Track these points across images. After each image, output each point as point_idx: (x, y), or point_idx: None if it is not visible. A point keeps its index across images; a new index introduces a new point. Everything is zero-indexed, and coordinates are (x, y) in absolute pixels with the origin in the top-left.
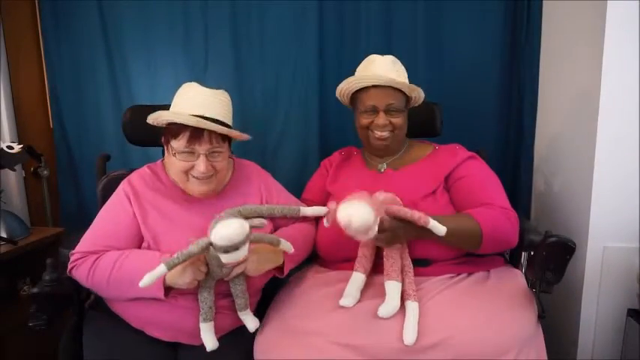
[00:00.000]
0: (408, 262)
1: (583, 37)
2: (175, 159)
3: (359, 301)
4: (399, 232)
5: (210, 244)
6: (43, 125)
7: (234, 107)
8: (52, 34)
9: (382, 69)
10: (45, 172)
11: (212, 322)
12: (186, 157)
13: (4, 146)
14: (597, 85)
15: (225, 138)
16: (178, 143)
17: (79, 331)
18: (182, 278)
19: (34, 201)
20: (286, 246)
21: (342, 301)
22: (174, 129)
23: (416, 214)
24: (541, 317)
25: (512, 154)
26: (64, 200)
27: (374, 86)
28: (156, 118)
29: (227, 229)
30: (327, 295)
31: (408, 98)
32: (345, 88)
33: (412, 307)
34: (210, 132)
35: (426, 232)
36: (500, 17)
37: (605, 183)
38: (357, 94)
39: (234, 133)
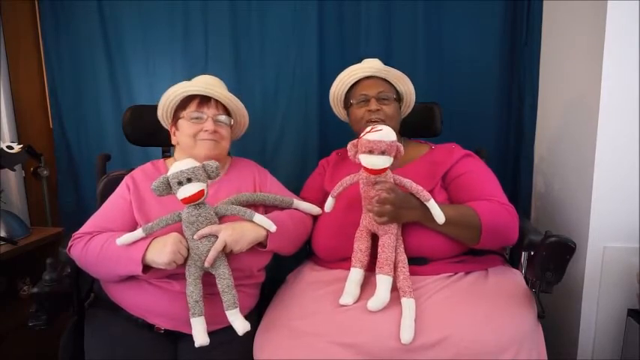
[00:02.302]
0: (403, 258)
1: (583, 37)
2: (185, 126)
3: (358, 300)
4: (402, 204)
5: (168, 183)
6: (43, 125)
7: None
8: (52, 34)
9: (371, 64)
10: (45, 172)
11: (202, 318)
12: (196, 121)
13: (4, 146)
14: (597, 85)
15: (229, 116)
16: (189, 110)
17: (79, 330)
18: (161, 256)
19: (34, 201)
20: (264, 222)
21: (342, 300)
22: (185, 101)
23: (419, 187)
24: (541, 317)
25: (512, 154)
26: (64, 200)
27: (364, 79)
28: (170, 95)
29: (176, 164)
30: (326, 295)
31: (399, 95)
32: (338, 87)
33: (408, 304)
34: (216, 101)
35: (426, 215)
36: (501, 17)
37: (605, 183)
38: (349, 94)
39: (236, 104)
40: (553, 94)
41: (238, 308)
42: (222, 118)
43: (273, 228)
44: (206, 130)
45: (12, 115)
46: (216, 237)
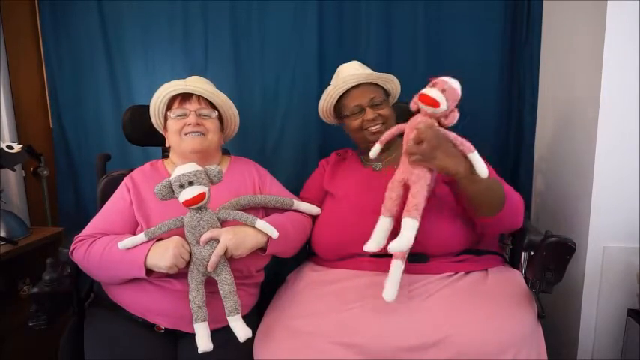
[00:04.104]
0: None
1: (583, 37)
2: (172, 125)
3: (360, 300)
4: (439, 144)
5: (170, 187)
6: (43, 125)
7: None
8: (52, 34)
9: (352, 71)
10: (45, 172)
11: (205, 323)
12: (180, 118)
13: (4, 146)
14: (597, 85)
15: (215, 110)
16: (173, 109)
17: (79, 330)
18: (163, 260)
19: (34, 201)
20: (266, 228)
21: (366, 247)
22: (170, 102)
23: (463, 140)
24: (541, 317)
25: (512, 154)
26: (64, 200)
27: (352, 88)
28: (156, 101)
29: (179, 168)
30: (326, 295)
31: (386, 92)
32: (326, 102)
33: (412, 224)
34: (199, 96)
35: (463, 167)
36: (501, 17)
37: (605, 183)
38: (339, 105)
39: (217, 95)
40: (553, 94)
41: (240, 314)
42: (205, 111)
43: (275, 234)
44: (189, 124)
45: (12, 115)
46: (218, 241)
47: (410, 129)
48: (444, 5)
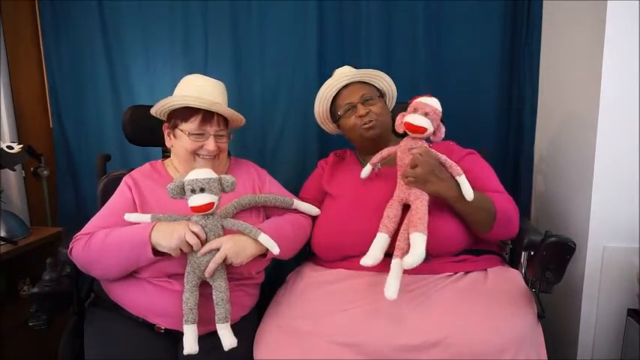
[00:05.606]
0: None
1: (583, 37)
2: (184, 139)
3: (359, 301)
4: (432, 168)
5: (183, 187)
6: (43, 125)
7: (234, 107)
8: (52, 34)
9: (344, 72)
10: (45, 172)
11: (194, 326)
12: (197, 137)
13: (4, 146)
14: (597, 86)
15: (226, 123)
16: (190, 125)
17: (80, 330)
18: (168, 240)
19: (34, 201)
20: (268, 243)
21: (363, 261)
22: (186, 113)
23: (452, 162)
24: (541, 317)
25: (512, 154)
26: (63, 200)
27: (343, 89)
28: (167, 103)
29: (195, 172)
30: (326, 295)
31: (380, 92)
32: (321, 104)
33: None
34: (218, 115)
35: (453, 190)
36: (501, 17)
37: (605, 183)
38: (333, 108)
39: (239, 116)
40: (553, 94)
41: (229, 323)
42: (222, 132)
43: (276, 250)
44: (208, 149)
45: (12, 115)
46: (218, 248)
47: (402, 152)
48: (444, 5)
